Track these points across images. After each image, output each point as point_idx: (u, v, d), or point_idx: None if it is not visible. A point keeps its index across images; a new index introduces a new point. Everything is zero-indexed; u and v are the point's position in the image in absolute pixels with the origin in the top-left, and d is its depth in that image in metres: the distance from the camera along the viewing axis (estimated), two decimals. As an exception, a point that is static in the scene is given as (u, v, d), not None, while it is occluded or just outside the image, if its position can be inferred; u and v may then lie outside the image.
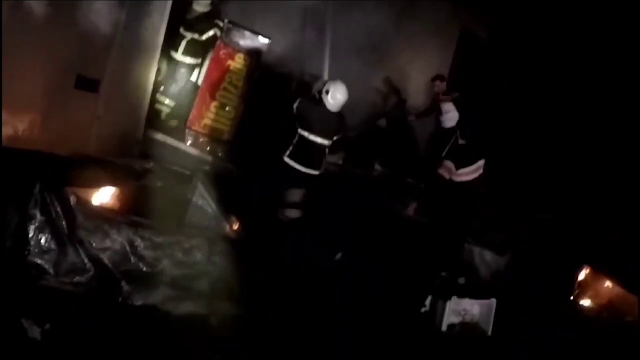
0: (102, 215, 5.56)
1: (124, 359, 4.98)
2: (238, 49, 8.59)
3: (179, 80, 8.63)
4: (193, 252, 5.65)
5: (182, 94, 8.68)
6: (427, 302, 7.03)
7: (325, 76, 8.97)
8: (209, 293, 5.65)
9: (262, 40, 8.74)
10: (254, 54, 8.69)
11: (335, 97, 7.56)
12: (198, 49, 8.59)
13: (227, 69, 8.53)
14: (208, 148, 8.49)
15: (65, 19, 7.06)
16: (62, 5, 6.99)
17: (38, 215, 5.37)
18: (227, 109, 8.67)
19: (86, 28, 7.23)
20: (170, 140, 8.28)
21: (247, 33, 8.64)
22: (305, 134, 7.56)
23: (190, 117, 8.68)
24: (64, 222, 5.40)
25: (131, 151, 7.74)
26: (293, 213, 7.23)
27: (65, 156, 6.27)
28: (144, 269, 5.53)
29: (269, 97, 8.66)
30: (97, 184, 5.97)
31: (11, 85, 6.90)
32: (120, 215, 5.65)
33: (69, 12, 7.08)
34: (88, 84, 7.41)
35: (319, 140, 7.63)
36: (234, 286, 5.74)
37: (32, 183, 5.40)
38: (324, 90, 7.65)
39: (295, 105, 7.64)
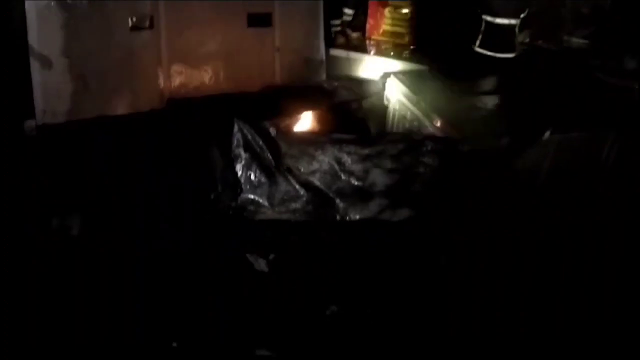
0: (305, 139, 5.38)
1: (349, 272, 4.86)
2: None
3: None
4: (401, 157, 5.32)
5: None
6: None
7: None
8: (424, 195, 5.34)
9: None
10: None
11: None
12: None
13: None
14: (392, 53, 8.09)
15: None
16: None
17: (242, 153, 5.29)
18: (402, 10, 8.21)
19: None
20: (354, 55, 7.97)
21: None
22: (490, 18, 6.95)
23: (368, 26, 8.35)
24: (269, 155, 5.30)
25: (317, 74, 7.57)
26: (492, 100, 6.69)
27: (255, 92, 6.17)
28: (356, 184, 5.29)
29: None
30: (292, 111, 5.82)
31: (190, 41, 6.96)
32: (322, 136, 5.46)
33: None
34: (260, 20, 7.28)
35: (505, 21, 7.00)
36: (449, 184, 5.38)
37: (230, 125, 5.35)
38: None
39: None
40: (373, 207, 5.26)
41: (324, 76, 7.48)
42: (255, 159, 5.27)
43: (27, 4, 6.23)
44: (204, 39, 6.98)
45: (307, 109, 5.86)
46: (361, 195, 5.28)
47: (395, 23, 8.24)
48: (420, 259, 5.02)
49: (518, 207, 5.29)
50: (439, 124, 5.63)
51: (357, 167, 5.29)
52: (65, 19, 6.41)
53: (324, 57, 7.66)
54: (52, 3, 6.33)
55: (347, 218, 5.23)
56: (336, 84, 6.66)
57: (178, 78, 6.95)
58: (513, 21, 6.89)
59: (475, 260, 4.99)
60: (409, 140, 5.34)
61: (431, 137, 5.42)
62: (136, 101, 6.79)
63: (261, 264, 4.88)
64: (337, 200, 5.26)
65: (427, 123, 5.74)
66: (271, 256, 4.96)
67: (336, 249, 5.06)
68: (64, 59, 6.53)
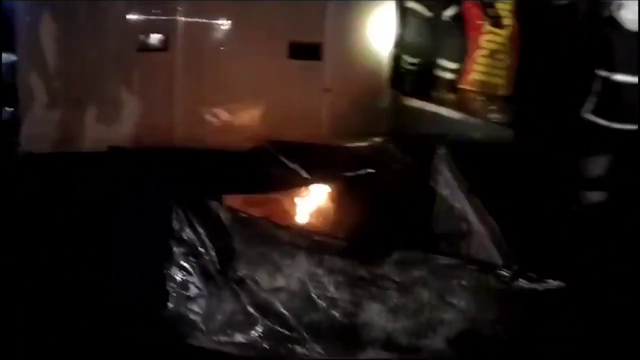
0: (272, 237, 2.91)
1: None
2: (497, -24, 5.44)
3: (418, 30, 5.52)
4: (416, 290, 2.74)
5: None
6: None
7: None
8: (449, 354, 2.72)
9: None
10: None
11: (635, 10, 4.10)
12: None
13: (489, 5, 5.34)
14: (477, 109, 5.42)
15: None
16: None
17: (176, 246, 2.94)
18: (498, 56, 5.53)
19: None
20: (430, 106, 5.37)
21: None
22: (607, 74, 4.21)
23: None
24: (214, 254, 2.91)
25: (377, 126, 5.04)
26: (597, 196, 3.91)
27: (245, 147, 3.79)
28: (339, 320, 2.79)
29: (550, 36, 5.31)
30: (277, 185, 3.36)
31: (212, 70, 4.72)
32: (300, 234, 2.93)
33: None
34: (306, 51, 4.87)
35: (628, 79, 4.23)
36: (490, 340, 2.72)
37: (170, 196, 3.00)
38: (614, 6, 4.23)
39: (583, 39, 4.34)
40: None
41: (384, 130, 4.95)
42: (194, 257, 2.88)
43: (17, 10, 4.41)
44: (229, 70, 4.74)
45: (302, 183, 3.36)
46: (346, 339, 2.75)
47: (490, 71, 5.58)
48: None
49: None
50: (493, 237, 2.97)
51: (343, 295, 2.77)
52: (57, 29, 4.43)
53: (387, 105, 5.14)
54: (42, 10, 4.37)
55: (319, 371, 2.72)
56: (376, 145, 4.10)
57: (193, 115, 4.73)
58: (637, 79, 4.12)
59: None
60: (433, 263, 2.72)
61: (469, 261, 2.78)
62: (141, 136, 4.64)
63: None
64: (307, 340, 2.76)
65: (479, 228, 3.09)
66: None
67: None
68: (56, 80, 4.54)
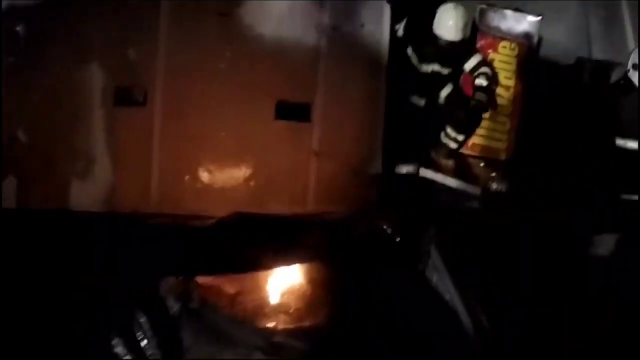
0: (225, 334, 2.49)
1: None
2: (500, 35, 5.13)
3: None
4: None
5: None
6: None
7: (631, 59, 4.95)
8: None
9: (532, 19, 5.30)
10: (523, 40, 5.14)
11: None
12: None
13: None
14: (476, 176, 5.04)
15: (250, 32, 4.36)
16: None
17: (118, 334, 2.54)
18: (499, 118, 5.19)
19: (280, 39, 4.42)
20: (423, 172, 5.00)
21: (509, 13, 5.28)
22: (617, 140, 3.85)
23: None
24: (158, 346, 2.51)
25: (367, 193, 4.66)
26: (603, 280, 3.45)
27: (208, 217, 3.42)
28: None
29: (555, 97, 4.98)
30: (241, 267, 2.96)
31: (193, 128, 4.35)
32: (254, 333, 2.51)
33: (255, 20, 4.36)
34: (294, 112, 4.52)
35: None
36: None
37: (118, 276, 2.61)
38: (630, 68, 3.93)
39: (590, 101, 4.03)
40: None
41: (374, 197, 4.56)
42: (136, 350, 2.47)
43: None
44: (212, 129, 4.36)
45: (273, 264, 2.95)
46: None
47: (491, 135, 5.23)
48: None
49: None
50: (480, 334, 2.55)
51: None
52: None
53: (380, 170, 4.74)
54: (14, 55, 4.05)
55: None
56: (370, 218, 3.71)
57: (171, 177, 4.36)
58: None
59: None
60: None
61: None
62: (113, 197, 4.27)
63: None
64: None
65: (467, 323, 2.67)
66: None
67: None
68: (24, 132, 4.21)
